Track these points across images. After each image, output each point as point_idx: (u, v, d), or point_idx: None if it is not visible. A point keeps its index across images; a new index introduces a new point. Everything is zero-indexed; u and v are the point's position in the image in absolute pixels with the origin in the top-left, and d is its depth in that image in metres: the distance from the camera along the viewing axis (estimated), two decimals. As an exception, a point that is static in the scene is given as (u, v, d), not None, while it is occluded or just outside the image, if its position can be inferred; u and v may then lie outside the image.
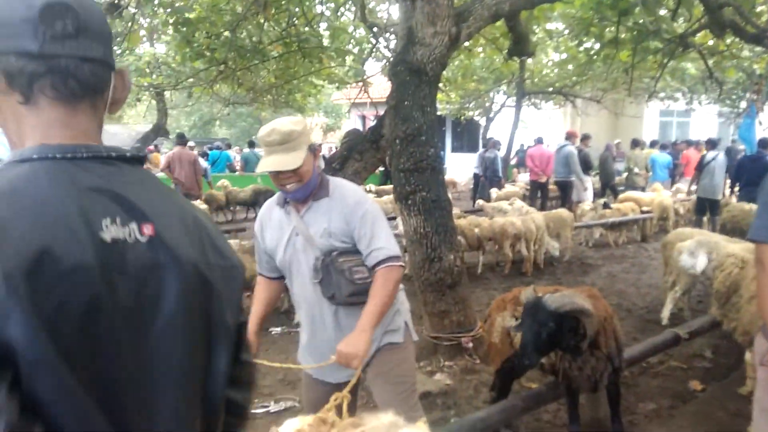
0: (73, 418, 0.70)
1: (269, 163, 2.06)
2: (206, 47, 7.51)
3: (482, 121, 21.25)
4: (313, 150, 2.13)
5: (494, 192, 11.14)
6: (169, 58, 11.47)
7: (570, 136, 10.84)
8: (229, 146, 18.47)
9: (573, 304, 2.42)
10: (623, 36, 7.36)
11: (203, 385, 0.90)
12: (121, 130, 30.22)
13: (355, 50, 9.89)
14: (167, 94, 15.82)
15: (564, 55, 11.72)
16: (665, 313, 5.39)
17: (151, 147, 18.34)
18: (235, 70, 8.30)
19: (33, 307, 0.66)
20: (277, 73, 9.59)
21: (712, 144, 10.19)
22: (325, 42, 8.82)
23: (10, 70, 0.81)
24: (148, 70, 11.68)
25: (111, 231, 0.79)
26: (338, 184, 2.22)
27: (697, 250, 4.58)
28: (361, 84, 9.70)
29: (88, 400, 0.72)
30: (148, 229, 0.83)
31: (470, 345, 4.42)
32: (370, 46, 9.26)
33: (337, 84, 12.21)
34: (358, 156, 6.51)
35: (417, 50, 4.62)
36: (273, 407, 3.80)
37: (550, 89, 14.22)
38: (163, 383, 0.83)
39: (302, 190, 2.12)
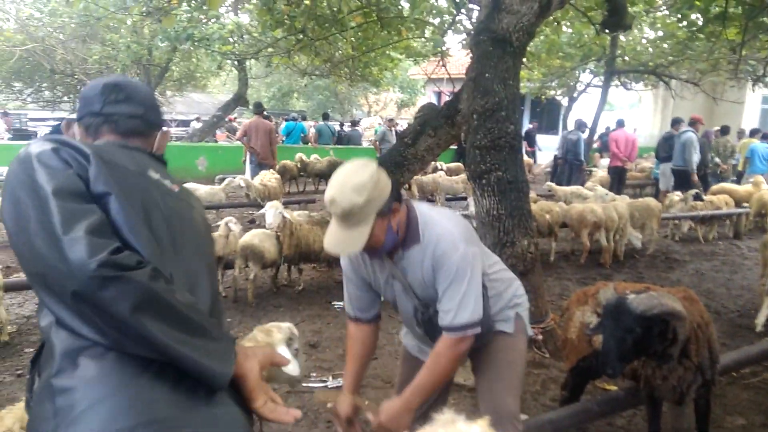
0: (132, 234, 1.18)
1: (330, 241, 1.82)
2: (286, 15, 7.45)
3: (564, 101, 20.29)
4: (386, 212, 1.82)
5: (599, 171, 10.29)
6: (252, 27, 11.58)
7: (694, 122, 9.93)
8: (303, 118, 18.64)
9: (663, 306, 2.13)
10: (732, 10, 6.63)
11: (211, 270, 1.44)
12: (205, 99, 31.34)
13: (436, 21, 9.55)
14: (248, 64, 16.11)
15: (660, 32, 10.85)
16: (761, 319, 4.89)
17: (233, 116, 18.80)
18: (314, 39, 8.21)
19: (117, 185, 1.19)
20: (355, 44, 9.44)
21: None
22: (405, 13, 8.56)
23: (86, 124, 1.42)
24: (231, 39, 11.82)
25: (154, 175, 1.32)
26: (430, 224, 1.92)
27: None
28: (438, 59, 9.39)
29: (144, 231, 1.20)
30: (174, 187, 1.39)
31: (540, 337, 4.16)
32: (450, 18, 8.90)
33: (414, 58, 11.92)
34: (432, 132, 6.28)
35: (503, 18, 4.31)
36: (331, 383, 3.73)
37: (643, 68, 13.23)
38: (187, 250, 1.30)
39: (376, 253, 1.93)
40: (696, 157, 9.58)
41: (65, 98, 21.93)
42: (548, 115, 24.17)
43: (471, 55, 4.65)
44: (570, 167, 11.59)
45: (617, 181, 10.97)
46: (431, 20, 9.43)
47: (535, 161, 16.12)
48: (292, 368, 1.96)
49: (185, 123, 25.15)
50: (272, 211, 4.99)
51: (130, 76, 18.73)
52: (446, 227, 1.90)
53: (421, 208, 1.98)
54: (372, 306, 2.14)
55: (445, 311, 1.87)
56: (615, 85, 14.70)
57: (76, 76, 18.15)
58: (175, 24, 9.71)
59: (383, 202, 1.79)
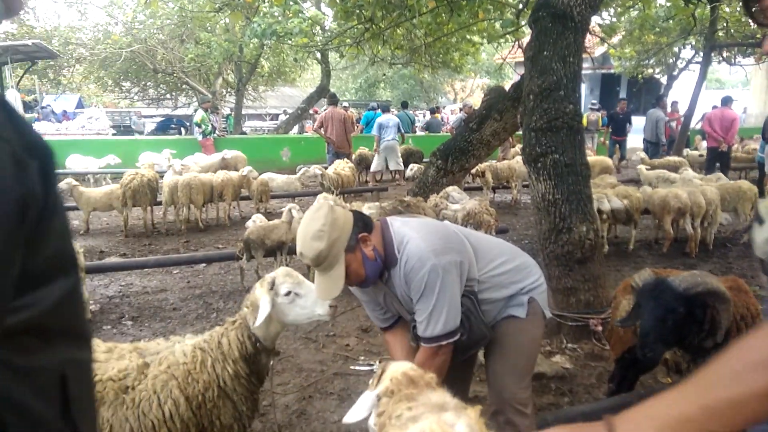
0: None
1: (317, 289, 1.94)
2: (354, 4, 7.51)
3: (664, 80, 18.95)
4: (354, 246, 1.90)
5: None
6: (328, 19, 11.81)
7: None
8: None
9: (707, 284, 1.95)
10: None
11: None
12: (296, 93, 32.44)
13: (514, 1, 9.21)
14: (331, 57, 16.46)
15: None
16: None
17: (316, 108, 19.31)
18: (383, 28, 8.22)
19: None
20: (428, 29, 9.33)
21: None
22: (479, -6, 8.32)
23: None
24: (313, 32, 12.10)
25: None
26: (404, 242, 1.96)
27: None
28: (517, 40, 9.07)
29: None
30: None
31: (599, 328, 3.93)
32: (526, -3, 8.54)
33: (495, 42, 11.59)
34: (498, 116, 6.12)
35: (563, -8, 4.09)
36: (377, 367, 3.75)
37: (751, 41, 12.02)
38: None
39: (365, 283, 2.01)
40: None
41: (168, 96, 23.59)
42: (646, 95, 22.67)
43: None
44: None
45: (720, 164, 10.06)
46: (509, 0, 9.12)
47: (623, 154, 14.13)
48: (261, 313, 2.03)
49: (276, 116, 26.25)
50: None
51: (224, 72, 19.81)
52: (416, 243, 1.93)
53: (395, 226, 2.01)
54: (392, 316, 2.21)
55: (419, 323, 1.92)
56: (717, 60, 13.49)
57: (175, 74, 19.43)
58: (261, 21, 10.12)
59: (347, 238, 1.88)
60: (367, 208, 5.60)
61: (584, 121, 15.69)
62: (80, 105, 21.81)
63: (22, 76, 18.46)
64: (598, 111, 14.17)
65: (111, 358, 1.95)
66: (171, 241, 7.19)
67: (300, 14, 11.18)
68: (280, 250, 5.32)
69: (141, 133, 19.33)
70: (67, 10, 44.71)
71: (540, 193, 4.03)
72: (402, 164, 11.31)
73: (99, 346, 2.01)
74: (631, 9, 10.75)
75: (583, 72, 4.59)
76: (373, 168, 11.36)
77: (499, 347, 2.15)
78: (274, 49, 17.30)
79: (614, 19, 10.25)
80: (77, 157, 11.13)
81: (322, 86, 17.02)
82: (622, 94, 22.60)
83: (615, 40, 14.19)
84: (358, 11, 7.79)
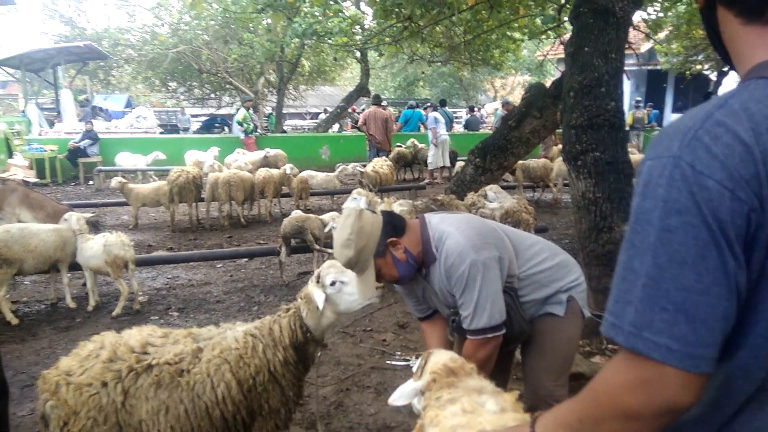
0: None
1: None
2: (393, 2, 7.56)
3: (713, 76, 18.31)
4: (382, 251, 1.97)
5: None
6: (367, 17, 11.89)
7: None
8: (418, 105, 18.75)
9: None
10: None
11: None
12: (336, 92, 32.73)
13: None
14: (370, 55, 16.56)
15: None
16: None
17: (354, 106, 19.44)
18: (422, 26, 8.24)
19: None
20: (467, 27, 9.29)
21: None
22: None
23: None
24: (352, 31, 12.20)
25: None
26: (442, 239, 1.99)
27: None
28: (559, 36, 8.94)
29: None
30: None
31: (640, 328, 3.87)
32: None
33: (536, 39, 11.44)
34: (538, 113, 6.07)
35: (605, -12, 4.03)
36: (413, 362, 3.78)
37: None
38: None
39: (400, 282, 2.10)
40: None
41: (212, 95, 24.14)
42: (695, 92, 21.91)
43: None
44: None
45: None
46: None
47: None
48: (319, 302, 2.13)
49: (316, 115, 26.57)
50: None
51: (266, 72, 20.18)
52: (455, 239, 1.95)
53: (433, 223, 2.05)
54: (429, 307, 2.27)
55: (464, 317, 1.95)
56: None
57: (219, 75, 19.87)
58: (302, 20, 10.29)
59: (375, 245, 1.94)
60: (399, 206, 5.54)
61: (630, 118, 15.40)
62: (129, 104, 22.58)
63: (74, 77, 19.23)
64: (644, 108, 13.84)
65: (167, 342, 2.05)
66: (215, 237, 7.41)
67: (340, 14, 11.30)
68: (318, 243, 5.39)
69: (186, 129, 19.86)
70: (116, 12, 46.40)
71: (580, 191, 3.99)
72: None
73: (155, 331, 2.11)
74: (679, 3, 10.43)
75: (629, 68, 4.52)
76: (431, 165, 11.44)
77: (536, 345, 2.16)
78: (314, 48, 17.51)
79: (660, 14, 9.98)
80: (126, 155, 11.55)
81: (361, 85, 17.14)
82: (669, 91, 21.92)
83: (662, 35, 13.80)
84: (397, 10, 7.85)
